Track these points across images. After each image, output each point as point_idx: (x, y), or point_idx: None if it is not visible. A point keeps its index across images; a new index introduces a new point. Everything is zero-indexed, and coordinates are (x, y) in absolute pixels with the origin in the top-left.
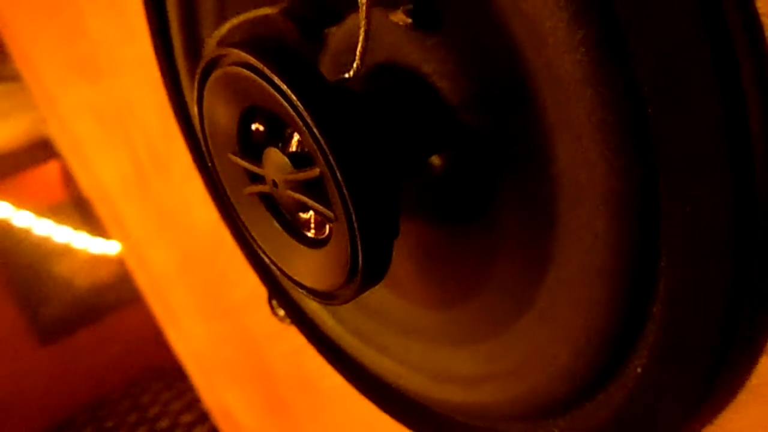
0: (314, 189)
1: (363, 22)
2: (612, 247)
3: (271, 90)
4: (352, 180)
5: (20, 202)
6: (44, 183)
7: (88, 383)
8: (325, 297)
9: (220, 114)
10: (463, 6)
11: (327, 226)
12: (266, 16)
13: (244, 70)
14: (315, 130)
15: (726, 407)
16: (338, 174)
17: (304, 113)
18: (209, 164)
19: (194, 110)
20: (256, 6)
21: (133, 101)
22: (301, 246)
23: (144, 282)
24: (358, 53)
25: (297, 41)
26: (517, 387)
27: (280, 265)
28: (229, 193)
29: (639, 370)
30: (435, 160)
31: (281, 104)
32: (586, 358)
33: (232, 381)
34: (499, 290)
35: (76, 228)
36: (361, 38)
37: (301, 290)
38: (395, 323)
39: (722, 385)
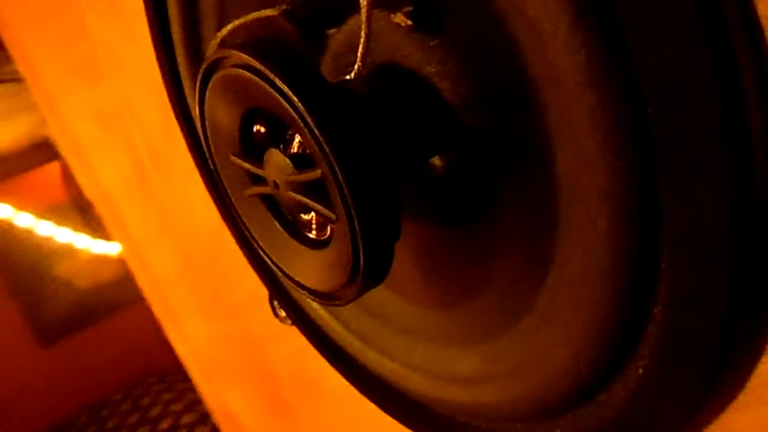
0: (315, 190)
1: (364, 24)
2: (613, 248)
3: (273, 92)
4: (354, 181)
5: (21, 203)
6: (45, 184)
7: (90, 384)
8: (326, 298)
9: (222, 115)
10: (464, 7)
11: (328, 227)
12: (267, 18)
13: (246, 72)
14: (316, 131)
15: (727, 408)
16: (339, 175)
17: (306, 115)
18: (211, 165)
19: (196, 112)
20: (257, 8)
21: (134, 102)
22: (303, 247)
23: (145, 283)
24: (359, 55)
25: (298, 43)
26: (519, 387)
27: (281, 266)
28: (230, 195)
29: (640, 370)
30: (436, 160)
31: (282, 106)
32: (587, 358)
33: (234, 382)
34: (500, 291)
35: (77, 229)
36: (362, 40)
37: (302, 291)
38: (396, 324)
39: (723, 385)
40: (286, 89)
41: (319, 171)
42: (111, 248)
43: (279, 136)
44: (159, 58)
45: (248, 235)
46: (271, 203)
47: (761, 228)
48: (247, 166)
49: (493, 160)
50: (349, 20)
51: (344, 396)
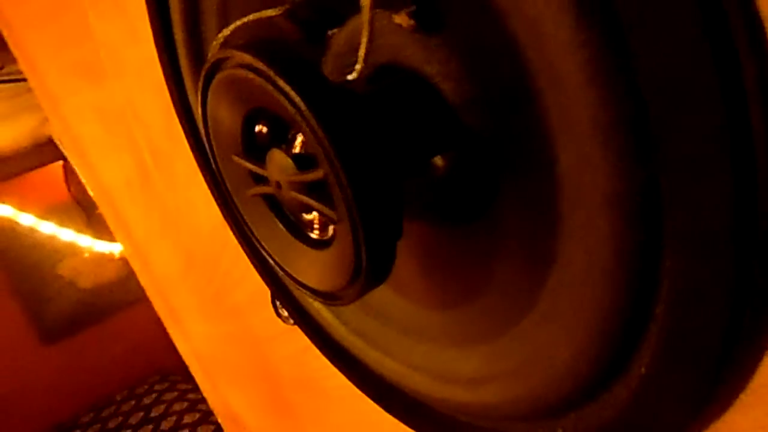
0: (318, 190)
1: (365, 24)
2: (615, 248)
3: (275, 92)
4: (356, 181)
5: (24, 203)
6: (48, 184)
7: (92, 383)
8: (328, 298)
9: (224, 116)
10: (465, 7)
11: (330, 227)
12: (269, 19)
13: (248, 73)
14: (318, 131)
15: (729, 408)
16: (342, 175)
17: (308, 115)
18: (213, 165)
19: (198, 112)
20: (259, 8)
21: (136, 103)
22: (305, 247)
23: (147, 282)
24: (360, 55)
25: (299, 43)
26: (520, 387)
27: (283, 266)
28: (233, 195)
29: (642, 370)
30: (438, 160)
31: (285, 106)
32: (589, 358)
33: (236, 381)
34: (502, 290)
35: (79, 229)
36: (363, 40)
37: (304, 291)
38: (398, 324)
39: (725, 385)
40: (288, 89)
41: (322, 171)
42: (113, 248)
43: (281, 136)
44: (161, 59)
45: (250, 235)
46: (274, 203)
47: (762, 228)
48: (249, 166)
49: (495, 160)
50: (351, 20)
51: (346, 396)
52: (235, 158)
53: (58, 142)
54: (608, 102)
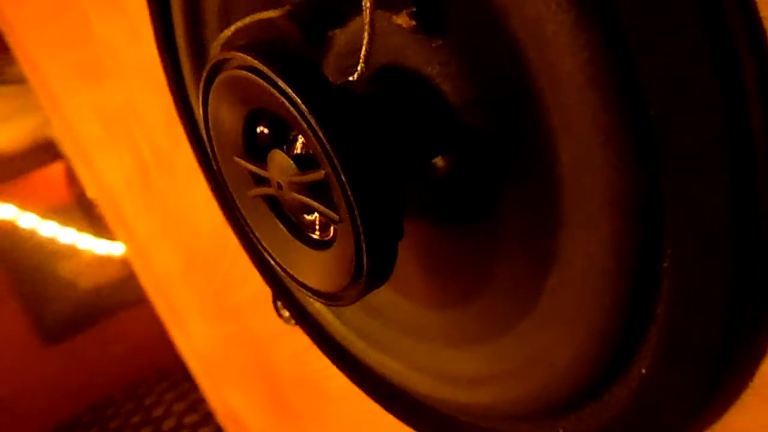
0: (319, 191)
1: (367, 25)
2: (616, 248)
3: (276, 93)
4: (357, 182)
5: (25, 204)
6: (49, 184)
7: (93, 384)
8: (329, 298)
9: (225, 117)
10: (466, 8)
11: (331, 228)
12: (270, 20)
13: (249, 74)
14: (319, 132)
15: (730, 408)
16: (343, 176)
17: (309, 116)
18: (214, 166)
19: (199, 113)
20: (260, 9)
21: (137, 103)
22: (306, 248)
23: (148, 283)
24: (361, 56)
25: (300, 44)
26: (521, 387)
27: (284, 266)
28: (234, 195)
29: (642, 370)
30: (438, 161)
31: (286, 107)
32: (590, 358)
33: (237, 382)
34: (503, 291)
35: (80, 229)
36: (364, 41)
37: (305, 292)
38: (400, 324)
39: (726, 385)
40: (289, 91)
41: (323, 172)
42: (114, 248)
43: (282, 137)
44: (162, 59)
45: (251, 235)
46: (274, 204)
47: (763, 228)
48: (250, 167)
49: (495, 161)
50: (352, 21)
51: (347, 396)
52: (236, 159)
53: (59, 143)
54: (608, 102)
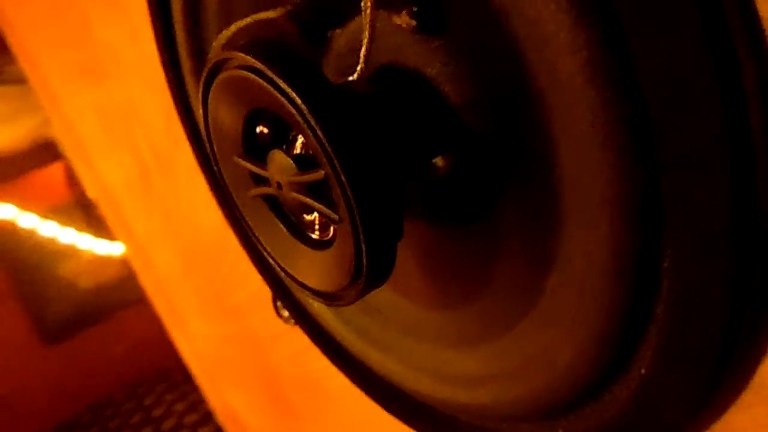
0: (318, 191)
1: (367, 25)
2: (615, 249)
3: (275, 93)
4: (357, 182)
5: (25, 204)
6: (49, 184)
7: (93, 384)
8: (329, 298)
9: (225, 117)
10: (466, 8)
11: (331, 228)
12: (270, 20)
13: (249, 74)
14: (319, 132)
15: (730, 407)
16: (342, 176)
17: (308, 116)
18: (214, 166)
19: (199, 113)
20: (260, 9)
21: (137, 103)
22: (306, 247)
23: (148, 283)
24: (361, 56)
25: (300, 44)
26: (520, 388)
27: (284, 266)
28: (233, 195)
29: (642, 371)
30: (438, 161)
31: (285, 107)
32: (590, 358)
33: (237, 382)
34: (503, 291)
35: (80, 229)
36: (364, 41)
37: (305, 291)
38: (399, 324)
39: (725, 385)
40: (288, 90)
41: (322, 172)
42: (114, 248)
43: (282, 137)
44: (162, 59)
45: (251, 235)
46: (274, 204)
47: (762, 228)
48: (250, 166)
49: (496, 161)
50: (352, 21)
51: (347, 396)
52: (236, 159)
53: (59, 143)
54: (608, 102)
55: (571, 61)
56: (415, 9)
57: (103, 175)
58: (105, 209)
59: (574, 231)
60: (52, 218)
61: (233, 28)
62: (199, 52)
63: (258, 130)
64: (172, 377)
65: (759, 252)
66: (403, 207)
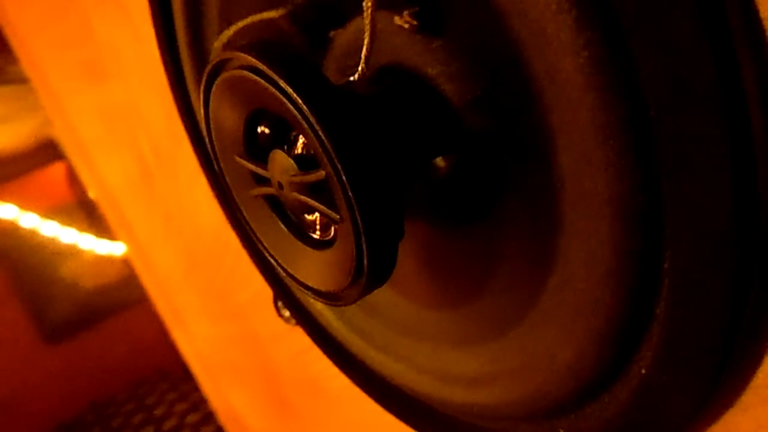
0: (319, 191)
1: (367, 26)
2: (615, 249)
3: (276, 93)
4: (357, 182)
5: (26, 204)
6: (50, 184)
7: (94, 384)
8: (330, 298)
9: (226, 117)
10: (467, 9)
11: (332, 228)
12: (271, 20)
13: (250, 74)
14: (320, 132)
15: (730, 408)
16: (343, 176)
17: (309, 116)
18: (215, 166)
19: (200, 113)
20: (261, 9)
21: (138, 103)
22: (307, 247)
23: (150, 283)
24: (362, 56)
25: (301, 44)
26: (521, 387)
27: (285, 266)
28: (235, 195)
29: (643, 371)
30: (439, 161)
31: (286, 107)
32: (590, 359)
33: (238, 382)
34: (503, 291)
35: (81, 229)
36: (365, 41)
37: (306, 291)
38: (400, 324)
39: (726, 385)
40: (289, 91)
41: (323, 172)
42: (115, 248)
43: (283, 137)
44: (164, 60)
45: (252, 235)
46: (275, 204)
47: (763, 228)
48: (251, 166)
49: (496, 162)
50: (353, 22)
51: (348, 396)
52: (237, 159)
53: (60, 143)
54: (608, 103)
55: (571, 61)
56: (416, 9)
57: (104, 175)
58: (106, 209)
59: (575, 231)
60: (53, 218)
61: (234, 28)
62: (200, 52)
63: (259, 130)
64: (173, 377)
65: (759, 252)
66: (403, 207)
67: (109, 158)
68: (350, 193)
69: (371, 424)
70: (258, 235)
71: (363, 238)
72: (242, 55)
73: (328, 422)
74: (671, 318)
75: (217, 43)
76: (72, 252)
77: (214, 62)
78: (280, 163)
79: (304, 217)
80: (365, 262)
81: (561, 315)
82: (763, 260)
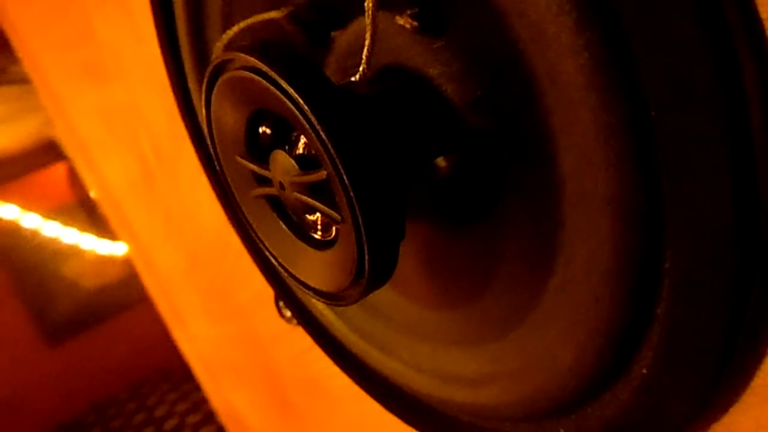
0: (321, 191)
1: (369, 26)
2: (616, 249)
3: (278, 93)
4: (359, 182)
5: (27, 204)
6: (51, 185)
7: (95, 384)
8: (331, 298)
9: (228, 117)
10: (468, 9)
11: (333, 228)
12: (272, 20)
13: (251, 74)
14: (321, 133)
15: (731, 408)
16: (344, 176)
17: (311, 116)
18: (217, 166)
19: (202, 113)
20: (263, 10)
21: (140, 103)
22: (308, 247)
23: (151, 283)
24: (364, 56)
25: (302, 45)
26: (522, 387)
27: (286, 266)
28: (236, 195)
29: (644, 371)
30: (440, 161)
31: (288, 108)
32: (591, 359)
33: (239, 382)
34: (504, 291)
35: (83, 229)
36: (367, 42)
37: (307, 291)
38: (401, 324)
39: (727, 385)
40: (291, 91)
41: (324, 172)
42: (117, 248)
43: (284, 138)
44: (165, 60)
45: (254, 235)
46: (277, 204)
47: (764, 228)
48: (252, 167)
49: (497, 162)
50: (354, 22)
51: (349, 396)
52: (239, 159)
53: (61, 143)
54: (609, 103)
55: (572, 62)
56: (417, 10)
57: (105, 175)
58: (107, 209)
59: (576, 231)
60: (54, 218)
61: (236, 28)
62: (201, 52)
63: (260, 130)
64: (174, 377)
65: (759, 252)
66: (405, 207)
67: (111, 158)
68: (351, 194)
69: (372, 423)
70: (259, 235)
71: (364, 239)
72: (244, 55)
73: (329, 422)
74: (672, 318)
75: (219, 44)
76: (73, 252)
77: (216, 63)
78: (282, 163)
79: (306, 218)
80: (366, 262)
81: (562, 315)
82: (763, 260)
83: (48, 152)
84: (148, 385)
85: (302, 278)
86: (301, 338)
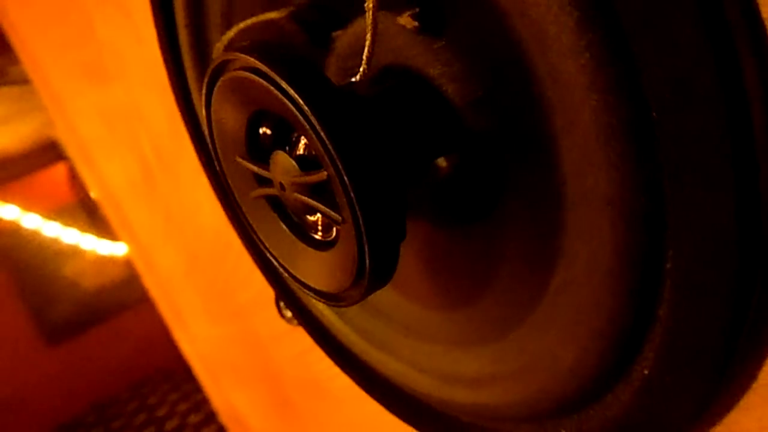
0: (321, 192)
1: (370, 26)
2: (617, 250)
3: (278, 94)
4: (359, 183)
5: (28, 205)
6: (52, 185)
7: (96, 384)
8: (332, 299)
9: (228, 118)
10: (469, 10)
11: (334, 229)
12: (273, 21)
13: (252, 75)
14: (321, 133)
15: (732, 408)
16: (345, 177)
17: (311, 117)
18: (217, 167)
19: (202, 114)
20: (263, 10)
21: (140, 104)
22: (309, 248)
23: (151, 283)
24: (364, 57)
25: (303, 45)
26: (523, 388)
27: (287, 266)
28: (236, 196)
29: (645, 371)
30: (441, 162)
31: (288, 108)
32: (592, 359)
33: (240, 382)
34: (505, 292)
35: (83, 230)
36: (367, 42)
37: (308, 292)
38: (402, 324)
39: (728, 386)
40: (291, 92)
41: (325, 173)
42: (117, 249)
43: (285, 138)
44: (166, 61)
45: (254, 236)
46: (277, 205)
47: (765, 228)
48: (253, 167)
49: (498, 162)
50: (354, 22)
51: (350, 396)
52: (239, 160)
53: (62, 144)
54: (610, 104)
55: (573, 63)
56: (417, 10)
57: (106, 175)
58: (108, 209)
59: (577, 232)
60: (55, 219)
61: (236, 29)
62: (202, 53)
63: (261, 131)
64: (175, 377)
65: (761, 253)
66: (405, 208)
67: (111, 159)
68: (352, 194)
69: (373, 424)
70: (260, 235)
71: (365, 239)
72: (244, 56)
73: (329, 422)
74: (673, 318)
75: (219, 44)
76: (74, 252)
77: (216, 63)
78: (282, 164)
79: (306, 218)
80: (367, 262)
81: (563, 316)
82: (765, 261)
83: (48, 152)
84: (148, 385)
85: (303, 279)
86: (301, 338)
